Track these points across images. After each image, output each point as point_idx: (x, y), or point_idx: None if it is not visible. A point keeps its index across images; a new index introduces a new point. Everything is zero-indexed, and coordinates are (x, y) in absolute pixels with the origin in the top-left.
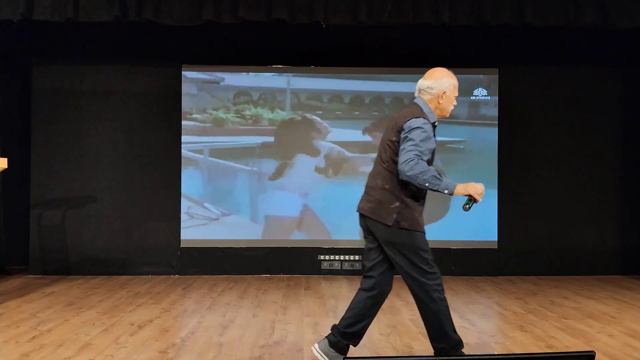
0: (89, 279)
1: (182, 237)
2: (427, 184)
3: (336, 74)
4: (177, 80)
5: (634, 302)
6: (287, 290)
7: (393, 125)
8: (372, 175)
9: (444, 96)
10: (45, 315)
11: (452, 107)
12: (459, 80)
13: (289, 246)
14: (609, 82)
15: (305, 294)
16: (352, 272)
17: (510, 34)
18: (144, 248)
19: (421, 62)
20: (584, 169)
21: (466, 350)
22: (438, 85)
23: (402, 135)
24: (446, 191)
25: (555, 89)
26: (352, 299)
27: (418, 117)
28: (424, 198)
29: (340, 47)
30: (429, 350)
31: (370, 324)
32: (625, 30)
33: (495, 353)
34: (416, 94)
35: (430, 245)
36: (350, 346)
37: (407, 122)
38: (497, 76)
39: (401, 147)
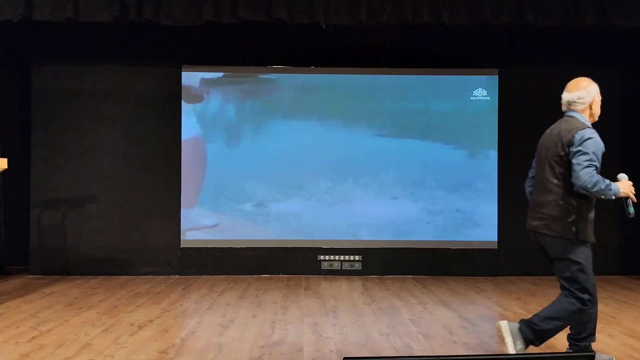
0: (88, 279)
1: (182, 238)
2: (602, 195)
3: (336, 74)
4: (177, 80)
5: (634, 302)
6: (287, 290)
7: (557, 141)
8: (538, 193)
9: (594, 103)
10: (45, 316)
11: (599, 111)
12: (458, 80)
13: (289, 246)
14: (609, 82)
15: (305, 294)
16: (351, 273)
17: (510, 35)
18: (143, 248)
19: (421, 62)
20: None
21: (466, 350)
22: (588, 94)
23: (574, 149)
24: (614, 196)
25: (554, 89)
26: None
27: (584, 129)
28: (594, 207)
29: (340, 47)
30: (429, 351)
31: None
32: (625, 30)
33: (496, 353)
34: (564, 108)
35: (430, 246)
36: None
37: (576, 134)
38: (497, 76)
39: (575, 161)
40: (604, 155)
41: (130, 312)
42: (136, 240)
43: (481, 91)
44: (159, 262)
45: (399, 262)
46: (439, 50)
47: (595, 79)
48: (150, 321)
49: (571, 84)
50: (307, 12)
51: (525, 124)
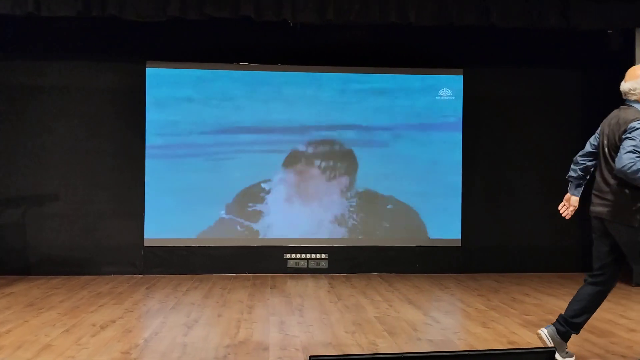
0: (49, 279)
1: (145, 236)
2: (638, 182)
3: (303, 72)
4: (142, 77)
5: None
6: (253, 289)
7: (615, 131)
8: (602, 180)
9: None
10: (4, 316)
11: None
12: (424, 80)
13: (255, 245)
14: (570, 83)
15: (271, 293)
16: (318, 271)
17: (475, 35)
18: (106, 247)
19: (388, 62)
20: (545, 167)
21: (430, 347)
22: (639, 84)
23: (624, 136)
24: None
25: (518, 89)
26: (578, 292)
27: (638, 119)
28: None
29: (308, 45)
30: (394, 348)
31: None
32: (586, 32)
33: (459, 350)
34: (623, 97)
35: (396, 244)
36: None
37: (630, 124)
38: (462, 76)
39: (621, 146)
40: (567, 150)
41: (92, 312)
42: (99, 239)
43: (446, 90)
44: (122, 261)
45: (365, 260)
46: (406, 49)
47: (556, 79)
48: (113, 321)
49: (628, 73)
50: (274, 9)
51: (488, 123)
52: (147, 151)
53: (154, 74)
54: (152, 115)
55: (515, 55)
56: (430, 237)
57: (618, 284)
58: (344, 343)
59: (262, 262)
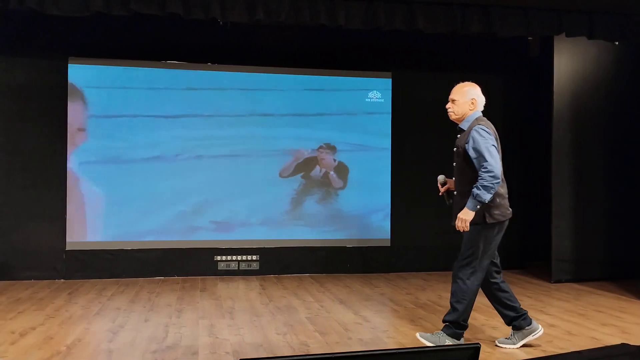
0: None
1: (67, 240)
2: None
3: (233, 72)
4: (63, 74)
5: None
6: (182, 292)
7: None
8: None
9: None
10: None
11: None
12: (354, 82)
13: (184, 247)
14: (492, 88)
15: (201, 296)
16: (249, 273)
17: (403, 40)
18: (25, 251)
19: (318, 64)
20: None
21: (361, 346)
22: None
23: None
24: None
25: (443, 93)
26: (499, 297)
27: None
28: None
29: (238, 45)
30: (325, 349)
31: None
32: (507, 39)
33: (388, 348)
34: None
35: (326, 244)
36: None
37: None
38: (390, 80)
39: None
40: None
41: (10, 319)
42: (17, 243)
43: (375, 93)
44: (42, 266)
45: (296, 261)
46: (336, 52)
47: (480, 84)
48: (33, 328)
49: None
50: (202, 7)
51: (416, 125)
52: (69, 151)
53: (76, 70)
54: (74, 114)
55: (441, 60)
56: (361, 238)
57: (537, 281)
58: (275, 345)
59: (192, 264)
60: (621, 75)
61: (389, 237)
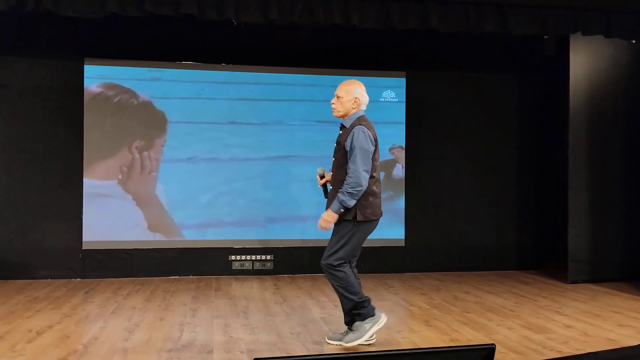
0: None
1: (84, 239)
2: None
3: (247, 72)
4: (79, 74)
5: (531, 296)
6: (197, 291)
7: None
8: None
9: None
10: None
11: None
12: (367, 82)
13: (198, 247)
14: (507, 87)
15: (215, 295)
16: (263, 272)
17: (417, 39)
18: (42, 250)
19: (332, 63)
20: (484, 169)
21: (374, 346)
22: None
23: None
24: None
25: (457, 93)
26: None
27: None
28: None
29: (252, 45)
30: (339, 348)
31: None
32: (522, 37)
33: (402, 348)
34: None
35: None
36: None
37: None
38: (404, 79)
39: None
40: (504, 153)
41: (28, 317)
42: (34, 242)
43: (389, 92)
44: (59, 265)
45: (310, 261)
46: (350, 52)
47: (494, 84)
48: (50, 327)
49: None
50: (217, 8)
51: (430, 126)
52: (85, 151)
53: (92, 71)
54: (91, 115)
55: (456, 59)
56: (375, 237)
57: (553, 282)
58: (290, 345)
59: (206, 264)
60: (638, 74)
61: (403, 237)
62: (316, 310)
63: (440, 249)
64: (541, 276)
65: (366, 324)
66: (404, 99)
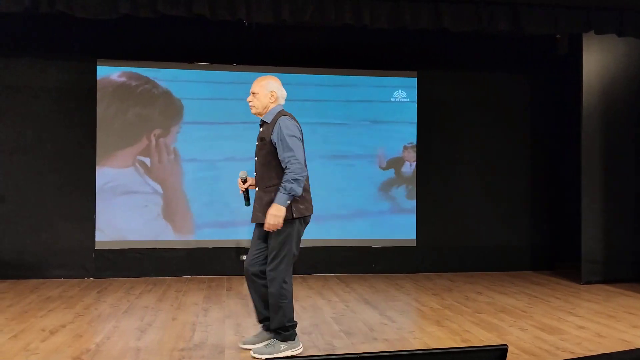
0: None
1: (96, 239)
2: None
3: (259, 72)
4: (92, 75)
5: (543, 297)
6: (209, 291)
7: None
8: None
9: None
10: None
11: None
12: (379, 82)
13: (210, 246)
14: (520, 86)
15: (227, 295)
16: None
17: (429, 39)
18: (55, 250)
19: (343, 63)
20: (496, 169)
21: (386, 346)
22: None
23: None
24: None
25: (470, 93)
26: (264, 292)
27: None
28: None
29: (264, 45)
30: (350, 349)
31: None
32: (535, 37)
33: (414, 349)
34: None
35: (352, 245)
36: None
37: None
38: (416, 79)
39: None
40: (517, 153)
41: (41, 317)
42: (47, 242)
43: (401, 92)
44: (72, 264)
45: (321, 260)
46: (361, 51)
47: (506, 83)
48: (63, 326)
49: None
50: (228, 8)
51: (442, 125)
52: (98, 152)
53: (105, 72)
54: (104, 116)
55: (467, 59)
56: (386, 238)
57: (567, 282)
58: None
59: (218, 263)
60: None
61: (415, 238)
62: (328, 310)
63: (452, 250)
64: (554, 277)
65: (283, 344)
66: (415, 98)
